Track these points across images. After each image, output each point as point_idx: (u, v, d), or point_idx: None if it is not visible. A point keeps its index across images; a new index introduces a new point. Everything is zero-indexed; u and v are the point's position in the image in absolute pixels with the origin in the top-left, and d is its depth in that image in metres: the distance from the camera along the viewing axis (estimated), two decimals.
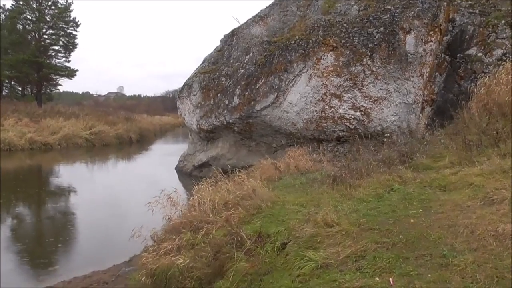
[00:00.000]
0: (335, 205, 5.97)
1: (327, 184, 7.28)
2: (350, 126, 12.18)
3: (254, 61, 13.89)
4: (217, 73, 15.53)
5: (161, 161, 22.40)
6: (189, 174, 17.33)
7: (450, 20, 12.06)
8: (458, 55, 11.60)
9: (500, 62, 10.65)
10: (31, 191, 14.45)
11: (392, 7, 12.00)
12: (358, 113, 12.00)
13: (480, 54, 11.20)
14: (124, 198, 13.49)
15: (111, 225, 10.19)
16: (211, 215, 6.40)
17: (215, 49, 17.26)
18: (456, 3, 12.06)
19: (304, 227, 5.09)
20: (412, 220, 4.75)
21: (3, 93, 49.61)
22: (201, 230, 6.23)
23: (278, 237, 5.19)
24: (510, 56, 10.56)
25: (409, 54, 11.57)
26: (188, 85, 16.79)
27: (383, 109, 11.83)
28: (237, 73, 14.36)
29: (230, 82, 14.60)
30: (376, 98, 11.79)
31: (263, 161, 10.65)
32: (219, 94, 15.01)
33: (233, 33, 16.39)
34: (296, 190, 7.66)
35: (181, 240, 6.14)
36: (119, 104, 61.12)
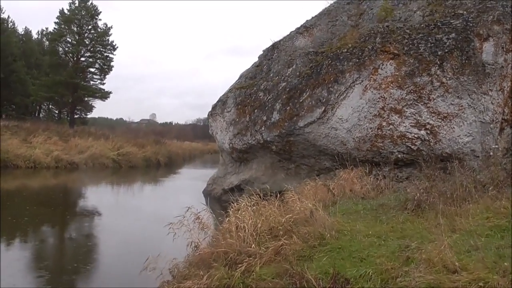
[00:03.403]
0: (431, 239, 4.10)
1: (408, 211, 5.39)
2: (412, 147, 10.27)
3: (297, 73, 12.35)
4: (255, 88, 14.06)
5: (189, 185, 20.92)
6: (218, 199, 15.64)
7: None
8: None
9: None
10: (54, 211, 13.16)
11: (464, 12, 10.28)
12: (422, 132, 10.11)
13: None
14: (145, 222, 11.89)
15: (127, 253, 8.51)
16: (253, 245, 4.62)
17: (252, 64, 15.93)
18: None
19: (408, 270, 3.24)
20: None
21: (40, 115, 50.59)
22: (239, 265, 4.45)
23: (364, 283, 3.35)
24: None
25: (486, 65, 9.74)
26: (222, 101, 15.40)
27: (454, 127, 9.90)
28: (278, 87, 12.83)
29: (269, 97, 13.06)
30: (445, 115, 9.89)
31: (311, 182, 8.83)
32: (256, 110, 13.45)
33: (274, 46, 15.02)
34: (362, 217, 5.84)
35: (212, 278, 4.37)
36: (150, 130, 61.24)
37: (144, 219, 12.11)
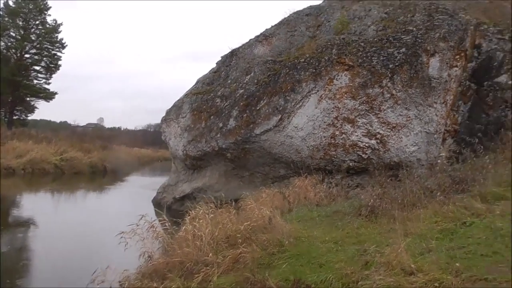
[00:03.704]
0: (387, 243, 4.22)
1: (362, 217, 5.53)
2: (363, 155, 10.61)
3: (255, 80, 12.40)
4: (212, 94, 13.93)
5: (137, 193, 20.19)
6: (168, 208, 15.16)
7: (476, 46, 10.94)
8: (486, 83, 10.40)
9: None
10: None
11: (414, 28, 10.85)
12: (373, 141, 10.48)
13: (511, 82, 9.99)
14: (91, 232, 11.25)
15: (72, 266, 7.98)
16: (211, 254, 4.50)
17: (210, 70, 15.77)
18: (483, 28, 11.00)
19: (368, 274, 3.30)
20: None
21: None
22: (196, 275, 4.32)
23: None
24: None
25: (432, 79, 10.31)
26: (177, 106, 15.10)
27: (401, 137, 10.36)
28: (235, 94, 12.80)
29: (226, 104, 12.99)
30: (394, 125, 10.34)
31: (267, 190, 8.84)
32: (212, 117, 13.32)
33: (233, 53, 14.97)
34: (318, 223, 5.92)
35: None
36: (97, 134, 58.69)
37: (88, 229, 11.39)
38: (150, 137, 68.82)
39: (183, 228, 5.40)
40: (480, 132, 9.57)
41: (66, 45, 40.77)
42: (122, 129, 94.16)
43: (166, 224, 5.61)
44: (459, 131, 10.64)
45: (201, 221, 5.24)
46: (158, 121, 17.67)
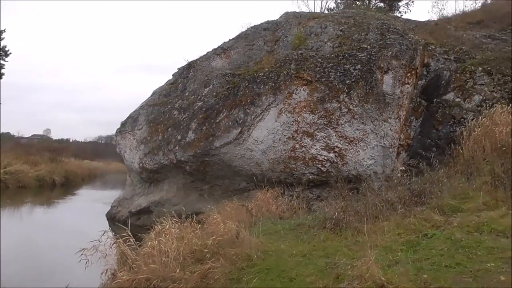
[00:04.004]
0: (354, 255, 4.30)
1: (327, 230, 5.60)
2: (322, 168, 10.82)
3: (214, 93, 12.35)
4: (169, 106, 13.71)
5: (89, 207, 19.31)
6: (123, 222, 14.58)
7: (425, 64, 11.61)
8: (435, 99, 11.01)
9: (479, 108, 10.12)
10: None
11: (368, 46, 11.31)
12: (332, 154, 10.73)
13: (458, 99, 10.67)
14: (42, 251, 10.53)
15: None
16: (178, 270, 4.37)
17: (167, 82, 15.52)
18: (430, 48, 11.70)
19: (342, 287, 3.32)
20: (502, 278, 3.22)
21: None
22: None
23: None
24: (490, 103, 10.06)
25: (386, 95, 10.77)
26: (132, 118, 14.70)
27: (359, 151, 10.69)
28: (194, 106, 12.67)
29: (184, 116, 12.82)
30: (352, 139, 10.65)
31: (229, 203, 8.76)
32: (170, 129, 13.08)
33: (190, 65, 14.83)
34: (283, 237, 5.92)
35: None
36: (44, 146, 55.74)
37: (39, 248, 10.70)
38: (101, 149, 66.43)
39: (149, 243, 5.19)
40: (432, 147, 10.09)
41: (10, 53, 38.61)
42: (71, 140, 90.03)
43: (131, 240, 5.37)
44: (412, 145, 11.14)
45: (167, 236, 5.07)
46: (109, 133, 17.23)
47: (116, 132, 15.67)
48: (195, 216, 7.56)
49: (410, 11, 24.36)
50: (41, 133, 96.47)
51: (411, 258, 4.02)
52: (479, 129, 8.23)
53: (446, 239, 4.43)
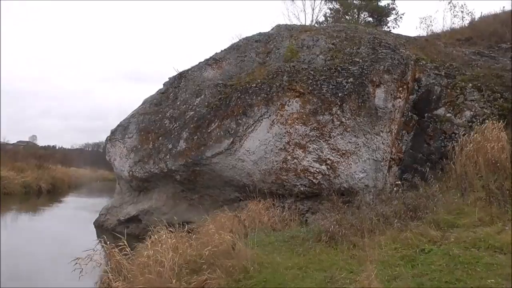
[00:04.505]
0: (351, 269, 4.26)
1: (323, 243, 5.56)
2: (314, 180, 10.80)
3: (206, 103, 12.30)
4: (160, 115, 13.61)
5: (76, 215, 18.99)
6: (111, 230, 14.37)
7: (416, 79, 11.75)
8: (426, 114, 11.14)
9: (470, 124, 10.26)
10: None
11: (360, 60, 11.43)
12: (323, 167, 10.72)
13: (449, 114, 10.81)
14: (30, 260, 10.22)
15: None
16: (174, 280, 4.27)
17: (158, 91, 15.43)
18: (421, 63, 11.87)
19: None
20: None
21: None
22: None
23: None
24: (480, 119, 10.22)
25: (378, 108, 10.86)
26: (123, 126, 14.55)
27: (351, 164, 10.70)
28: (185, 116, 12.60)
29: (175, 125, 12.73)
30: (344, 152, 10.68)
31: (221, 213, 8.67)
32: (160, 138, 12.98)
33: (181, 75, 14.77)
34: (278, 249, 5.87)
35: None
36: (30, 153, 54.84)
37: (26, 256, 10.42)
38: (88, 156, 65.63)
39: (144, 253, 5.06)
40: (423, 161, 10.16)
41: None
42: (58, 147, 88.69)
43: (126, 249, 5.24)
44: (403, 159, 11.22)
45: (163, 246, 4.96)
46: (96, 140, 17.09)
47: (106, 139, 15.50)
48: (183, 226, 7.49)
49: (399, 26, 24.75)
50: (27, 140, 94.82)
51: (411, 274, 4.00)
52: (471, 144, 8.32)
53: (443, 255, 4.43)
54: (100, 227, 15.05)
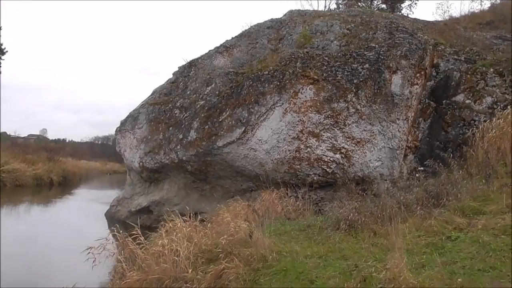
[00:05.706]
0: (374, 258, 4.04)
1: (341, 231, 5.33)
2: (328, 169, 10.55)
3: (217, 92, 12.07)
4: (170, 105, 13.42)
5: (87, 207, 19.00)
6: (122, 221, 14.34)
7: (434, 65, 11.38)
8: (444, 101, 10.78)
9: (491, 110, 9.90)
10: None
11: (376, 45, 11.09)
12: (338, 156, 10.46)
13: (468, 101, 10.44)
14: (44, 250, 10.15)
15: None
16: (190, 270, 4.09)
17: (167, 80, 15.23)
18: (440, 48, 11.48)
19: None
20: None
21: None
22: None
23: None
24: (501, 105, 9.85)
25: (395, 95, 10.53)
26: (132, 116, 14.42)
27: (366, 152, 10.43)
28: (195, 105, 12.38)
29: (185, 115, 12.53)
30: (359, 140, 10.39)
31: (234, 203, 8.48)
32: (171, 128, 12.80)
33: (191, 64, 14.54)
34: (294, 238, 5.66)
35: None
36: (41, 146, 55.39)
37: (40, 247, 10.35)
38: (98, 149, 66.15)
39: (159, 242, 4.89)
40: (440, 149, 9.84)
41: (6, 51, 38.20)
42: (68, 141, 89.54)
43: (140, 239, 5.07)
44: (419, 147, 10.90)
45: (178, 234, 4.78)
46: (106, 133, 16.94)
47: (116, 130, 15.38)
48: (195, 216, 7.32)
49: (413, 13, 24.09)
50: (38, 133, 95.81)
51: (439, 261, 3.76)
52: (494, 131, 7.99)
53: (472, 242, 4.18)
54: (112, 218, 15.01)
